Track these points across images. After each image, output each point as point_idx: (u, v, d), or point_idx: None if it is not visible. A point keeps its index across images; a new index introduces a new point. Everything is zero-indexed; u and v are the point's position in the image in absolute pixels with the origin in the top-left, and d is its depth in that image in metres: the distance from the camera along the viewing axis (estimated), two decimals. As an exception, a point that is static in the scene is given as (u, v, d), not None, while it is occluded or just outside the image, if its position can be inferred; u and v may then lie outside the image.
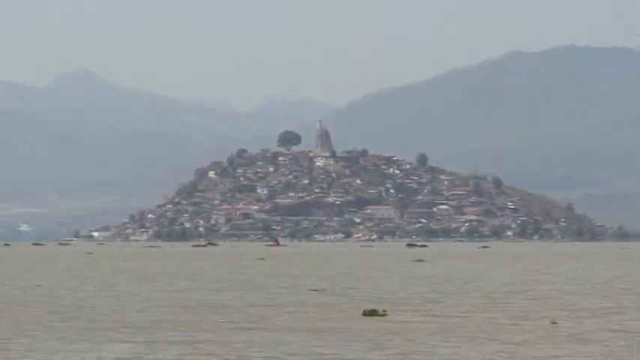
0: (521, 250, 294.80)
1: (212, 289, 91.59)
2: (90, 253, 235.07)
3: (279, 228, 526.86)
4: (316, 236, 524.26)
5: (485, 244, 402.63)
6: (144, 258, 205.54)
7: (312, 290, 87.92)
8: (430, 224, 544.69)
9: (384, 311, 58.30)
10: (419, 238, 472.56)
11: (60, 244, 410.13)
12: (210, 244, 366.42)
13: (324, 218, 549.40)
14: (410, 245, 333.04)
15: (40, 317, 58.91)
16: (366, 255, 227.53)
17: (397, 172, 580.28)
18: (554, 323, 53.51)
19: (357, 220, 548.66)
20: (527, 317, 59.29)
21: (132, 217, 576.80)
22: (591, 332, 51.40)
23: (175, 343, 47.18)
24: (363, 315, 57.28)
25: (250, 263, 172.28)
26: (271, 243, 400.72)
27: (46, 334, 49.15)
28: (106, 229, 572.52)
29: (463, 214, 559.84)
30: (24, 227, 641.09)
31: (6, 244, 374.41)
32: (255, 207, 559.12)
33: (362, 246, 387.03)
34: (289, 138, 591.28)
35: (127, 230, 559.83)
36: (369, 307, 60.40)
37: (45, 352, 42.54)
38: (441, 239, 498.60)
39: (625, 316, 60.80)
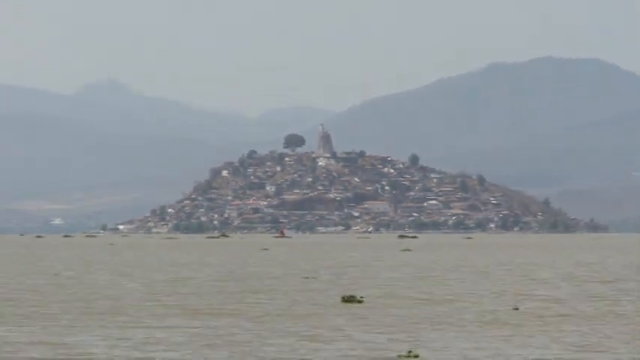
0: (501, 241, 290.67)
1: (213, 277, 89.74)
2: (112, 244, 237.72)
3: (285, 221, 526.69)
4: (319, 228, 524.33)
5: (469, 235, 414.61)
6: (164, 248, 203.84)
7: (305, 278, 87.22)
8: (421, 217, 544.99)
9: (361, 297, 58.21)
10: (411, 230, 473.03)
11: (87, 236, 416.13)
12: (222, 235, 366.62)
13: (325, 212, 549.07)
14: (401, 237, 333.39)
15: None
16: (362, 246, 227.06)
17: (392, 171, 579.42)
18: (516, 309, 53.06)
19: (356, 214, 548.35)
20: (492, 302, 58.41)
21: (153, 211, 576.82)
22: (549, 316, 51.46)
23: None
24: (342, 301, 57.19)
25: (254, 253, 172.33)
26: (278, 235, 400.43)
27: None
28: (130, 222, 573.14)
29: (450, 208, 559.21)
30: (56, 221, 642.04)
31: (38, 236, 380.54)
32: (264, 202, 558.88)
33: (359, 237, 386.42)
34: (294, 140, 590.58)
35: (149, 223, 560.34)
36: (350, 293, 59.85)
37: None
38: (430, 231, 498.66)
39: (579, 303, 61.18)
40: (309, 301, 60.03)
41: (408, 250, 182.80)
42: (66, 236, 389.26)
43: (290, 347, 38.20)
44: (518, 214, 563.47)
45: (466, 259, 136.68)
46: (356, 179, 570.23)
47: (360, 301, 56.81)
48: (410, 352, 33.86)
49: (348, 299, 56.94)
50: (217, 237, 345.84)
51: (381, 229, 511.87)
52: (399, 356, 33.44)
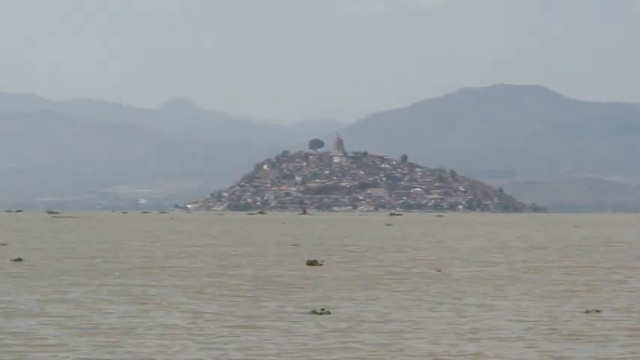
0: (463, 219, 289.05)
1: (219, 243, 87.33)
2: (172, 218, 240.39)
3: (309, 202, 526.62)
4: (334, 208, 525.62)
5: (441, 214, 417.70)
6: (211, 221, 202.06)
7: (293, 245, 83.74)
8: (408, 201, 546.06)
9: (321, 261, 56.10)
10: (400, 210, 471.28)
11: (160, 212, 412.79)
12: (260, 212, 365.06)
13: (338, 196, 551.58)
14: (392, 214, 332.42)
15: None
16: (359, 221, 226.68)
17: (387, 166, 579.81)
18: (439, 271, 50.40)
19: (361, 198, 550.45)
20: (420, 266, 55.20)
21: (212, 194, 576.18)
22: (465, 278, 47.84)
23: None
24: (307, 264, 54.76)
25: (272, 225, 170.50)
26: (301, 212, 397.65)
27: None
28: (195, 202, 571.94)
29: (430, 194, 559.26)
30: (142, 201, 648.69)
31: (124, 212, 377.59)
32: (293, 189, 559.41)
33: (361, 215, 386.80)
34: (316, 144, 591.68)
35: (209, 203, 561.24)
36: (315, 258, 57.37)
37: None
38: (415, 211, 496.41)
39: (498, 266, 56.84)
40: (281, 263, 57.93)
41: (389, 224, 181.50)
42: (144, 212, 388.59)
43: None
44: (480, 198, 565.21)
45: (428, 232, 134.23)
46: (361, 172, 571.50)
47: (320, 264, 54.50)
48: (323, 309, 30.42)
49: (311, 263, 55.09)
50: (256, 214, 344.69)
51: (380, 209, 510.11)
52: (313, 312, 30.12)
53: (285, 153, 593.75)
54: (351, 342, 25.17)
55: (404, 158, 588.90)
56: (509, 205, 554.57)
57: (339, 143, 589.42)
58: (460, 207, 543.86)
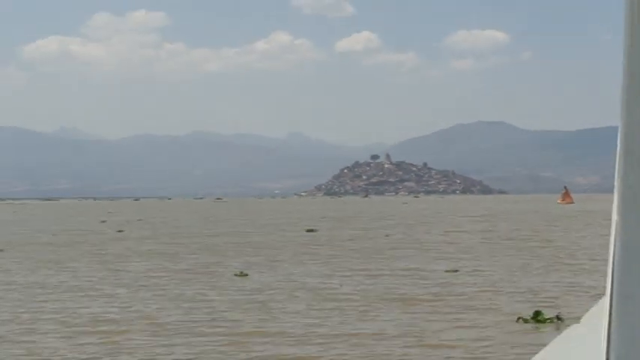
0: (456, 199, 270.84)
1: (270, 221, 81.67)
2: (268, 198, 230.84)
3: (371, 190, 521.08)
4: (385, 194, 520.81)
5: (442, 196, 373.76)
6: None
7: (322, 217, 76.70)
8: (427, 189, 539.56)
9: (315, 228, 52.03)
10: (422, 194, 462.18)
11: (277, 197, 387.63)
12: (339, 196, 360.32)
13: (387, 187, 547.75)
14: (415, 197, 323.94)
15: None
16: (392, 201, 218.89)
17: (415, 169, 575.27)
18: (387, 235, 45.58)
19: (400, 187, 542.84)
20: (375, 233, 49.18)
21: (315, 187, 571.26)
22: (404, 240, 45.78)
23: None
24: (306, 231, 50.11)
25: (335, 204, 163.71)
26: (363, 195, 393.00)
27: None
28: (305, 192, 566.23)
29: (440, 184, 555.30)
30: (277, 191, 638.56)
31: (218, 198, 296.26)
32: (362, 183, 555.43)
33: (399, 197, 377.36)
34: (374, 157, 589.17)
35: (313, 192, 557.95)
36: (313, 227, 53.22)
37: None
38: (432, 195, 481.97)
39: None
40: (289, 229, 54.87)
41: (405, 203, 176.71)
42: (272, 197, 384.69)
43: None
44: (469, 187, 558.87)
45: (419, 206, 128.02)
46: (400, 172, 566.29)
47: (315, 231, 50.22)
48: (242, 272, 25.16)
49: (310, 230, 50.99)
50: (340, 197, 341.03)
51: (411, 194, 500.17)
52: (235, 274, 24.89)
53: (356, 163, 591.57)
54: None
55: (425, 164, 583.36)
56: (485, 191, 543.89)
57: (388, 156, 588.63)
58: (457, 192, 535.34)
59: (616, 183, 1.74)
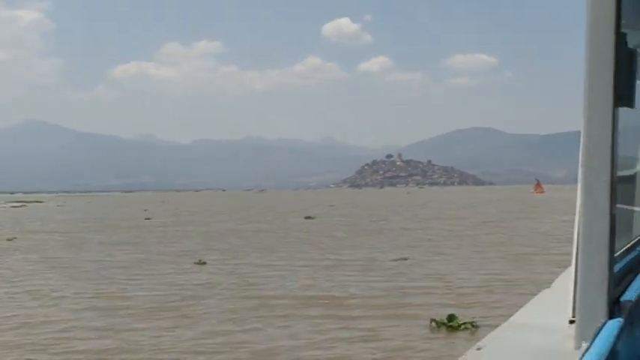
0: (453, 189, 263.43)
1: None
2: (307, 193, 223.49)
3: (386, 183, 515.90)
4: (397, 186, 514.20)
5: (444, 187, 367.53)
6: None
7: (330, 205, 71.77)
8: (432, 181, 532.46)
9: (314, 216, 46.73)
10: (426, 185, 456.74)
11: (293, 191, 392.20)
12: (360, 188, 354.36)
13: (399, 180, 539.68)
14: (421, 187, 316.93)
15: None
16: (399, 192, 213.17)
17: (421, 165, 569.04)
18: (309, 217, 42.07)
19: (410, 181, 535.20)
20: (362, 220, 45.33)
21: (343, 180, 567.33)
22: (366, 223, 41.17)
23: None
24: (304, 218, 44.69)
25: (352, 194, 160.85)
26: (379, 187, 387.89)
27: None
28: (335, 184, 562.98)
29: (441, 177, 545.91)
30: (312, 183, 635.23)
31: (262, 190, 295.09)
32: (379, 177, 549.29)
33: (407, 187, 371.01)
34: (389, 156, 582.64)
35: (339, 185, 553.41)
36: (312, 214, 48.42)
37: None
38: (435, 186, 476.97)
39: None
40: (291, 215, 50.66)
41: (409, 193, 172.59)
42: (306, 189, 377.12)
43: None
44: (464, 180, 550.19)
45: (417, 196, 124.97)
46: (409, 168, 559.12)
47: (313, 218, 45.00)
48: (200, 260, 20.41)
49: (307, 217, 45.84)
50: (360, 188, 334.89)
51: (418, 185, 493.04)
52: (198, 261, 20.23)
53: (374, 161, 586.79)
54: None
55: (429, 161, 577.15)
56: (478, 183, 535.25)
57: (399, 156, 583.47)
58: (455, 183, 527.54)
59: (579, 175, 1.74)
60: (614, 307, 1.78)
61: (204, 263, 20.30)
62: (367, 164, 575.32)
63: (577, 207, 1.77)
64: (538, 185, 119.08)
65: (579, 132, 1.75)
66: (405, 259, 20.20)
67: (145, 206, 75.70)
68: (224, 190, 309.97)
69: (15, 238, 30.98)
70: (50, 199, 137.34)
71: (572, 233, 1.81)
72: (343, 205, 74.45)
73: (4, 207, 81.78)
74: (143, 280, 16.86)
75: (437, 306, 12.72)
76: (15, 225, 41.54)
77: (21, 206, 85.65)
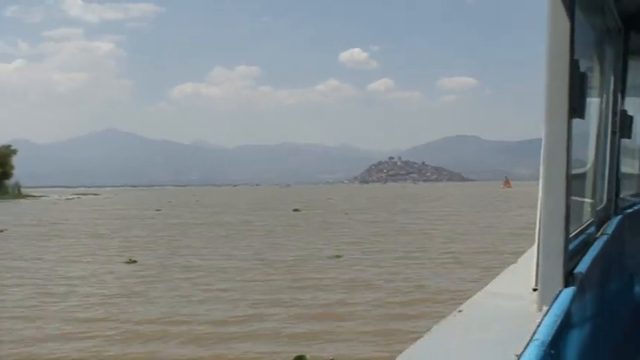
0: (440, 185, 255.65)
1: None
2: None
3: (389, 180, 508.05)
4: (398, 182, 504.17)
5: (434, 183, 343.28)
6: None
7: (328, 198, 64.86)
8: (426, 178, 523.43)
9: (300, 209, 41.29)
10: (421, 182, 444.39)
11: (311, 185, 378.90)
12: (366, 183, 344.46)
13: (400, 177, 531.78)
14: (415, 183, 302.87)
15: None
16: (397, 187, 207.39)
17: (417, 165, 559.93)
18: (297, 210, 37.21)
19: (407, 178, 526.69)
20: (334, 215, 40.20)
21: (354, 177, 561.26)
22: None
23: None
24: (293, 211, 39.63)
25: (357, 189, 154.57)
26: (383, 182, 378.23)
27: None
28: (348, 180, 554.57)
29: (433, 175, 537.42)
30: (329, 179, 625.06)
31: (288, 185, 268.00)
32: (382, 175, 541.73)
33: (404, 183, 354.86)
34: (392, 157, 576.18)
35: (352, 181, 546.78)
36: (298, 207, 43.12)
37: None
38: (427, 181, 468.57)
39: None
40: (287, 206, 45.90)
41: (404, 187, 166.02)
42: (324, 184, 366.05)
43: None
44: (451, 178, 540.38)
45: (408, 191, 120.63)
46: (408, 168, 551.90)
47: (299, 210, 39.88)
48: (130, 259, 15.97)
49: (295, 210, 40.69)
50: (368, 183, 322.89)
51: (415, 182, 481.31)
52: (125, 261, 15.88)
53: (379, 162, 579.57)
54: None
55: (423, 162, 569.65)
56: (463, 179, 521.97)
57: (399, 158, 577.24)
58: (444, 180, 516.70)
59: (541, 173, 1.76)
60: (569, 278, 1.82)
61: (135, 261, 16.10)
62: (374, 164, 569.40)
63: (539, 198, 1.78)
64: (507, 182, 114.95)
65: (541, 139, 1.75)
66: (339, 256, 15.92)
67: (172, 200, 71.81)
68: (258, 185, 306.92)
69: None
70: (106, 192, 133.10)
71: (535, 219, 1.79)
72: (341, 198, 69.75)
73: (60, 199, 78.87)
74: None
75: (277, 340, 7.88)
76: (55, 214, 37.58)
77: (77, 198, 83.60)
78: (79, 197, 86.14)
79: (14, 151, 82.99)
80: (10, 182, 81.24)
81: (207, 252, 17.37)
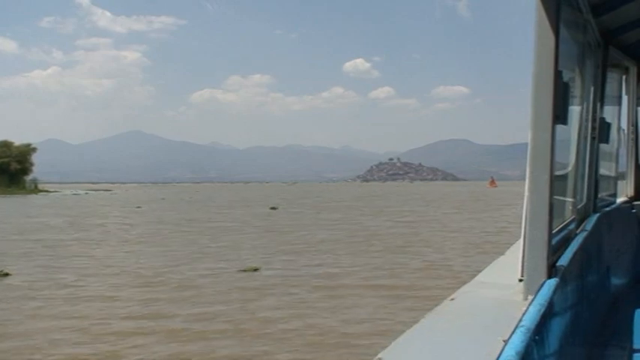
0: (434, 184, 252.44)
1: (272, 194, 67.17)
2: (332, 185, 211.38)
3: (389, 179, 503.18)
4: (397, 181, 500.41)
5: (428, 182, 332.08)
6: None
7: (317, 197, 60.61)
8: (422, 178, 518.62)
9: (277, 207, 37.77)
10: (417, 181, 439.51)
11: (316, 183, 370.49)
12: (367, 182, 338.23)
13: (398, 177, 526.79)
14: (411, 181, 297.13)
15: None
16: (393, 185, 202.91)
17: (414, 166, 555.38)
18: (274, 208, 33.77)
19: (405, 177, 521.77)
20: (308, 214, 36.79)
21: (357, 176, 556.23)
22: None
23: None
24: (269, 209, 36.00)
25: (355, 188, 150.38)
26: (382, 181, 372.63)
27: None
28: (350, 178, 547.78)
29: (429, 175, 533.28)
30: (334, 177, 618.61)
31: (294, 182, 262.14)
32: (382, 174, 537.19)
33: (396, 184, 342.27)
34: (392, 159, 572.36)
35: (355, 179, 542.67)
36: (275, 205, 39.52)
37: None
38: (424, 180, 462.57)
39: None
40: (264, 205, 42.02)
41: (398, 186, 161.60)
42: (328, 182, 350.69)
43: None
44: (444, 177, 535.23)
45: (404, 189, 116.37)
46: (406, 168, 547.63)
47: (276, 209, 36.30)
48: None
49: (272, 208, 37.14)
50: (369, 182, 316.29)
51: (413, 181, 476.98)
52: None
53: (380, 163, 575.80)
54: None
55: (420, 164, 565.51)
56: (455, 179, 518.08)
57: (398, 159, 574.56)
58: (438, 179, 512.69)
59: (527, 174, 1.78)
60: (552, 270, 1.85)
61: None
62: (374, 165, 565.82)
63: (525, 197, 1.80)
64: (492, 182, 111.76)
65: (527, 143, 1.77)
66: (257, 269, 12.16)
67: (168, 196, 68.33)
68: (267, 182, 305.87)
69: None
70: (121, 188, 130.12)
71: (521, 216, 1.80)
72: (328, 196, 65.94)
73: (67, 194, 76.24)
74: None
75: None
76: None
77: (85, 194, 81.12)
78: (86, 193, 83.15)
79: (34, 149, 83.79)
80: (28, 178, 79.95)
81: (97, 260, 13.57)
